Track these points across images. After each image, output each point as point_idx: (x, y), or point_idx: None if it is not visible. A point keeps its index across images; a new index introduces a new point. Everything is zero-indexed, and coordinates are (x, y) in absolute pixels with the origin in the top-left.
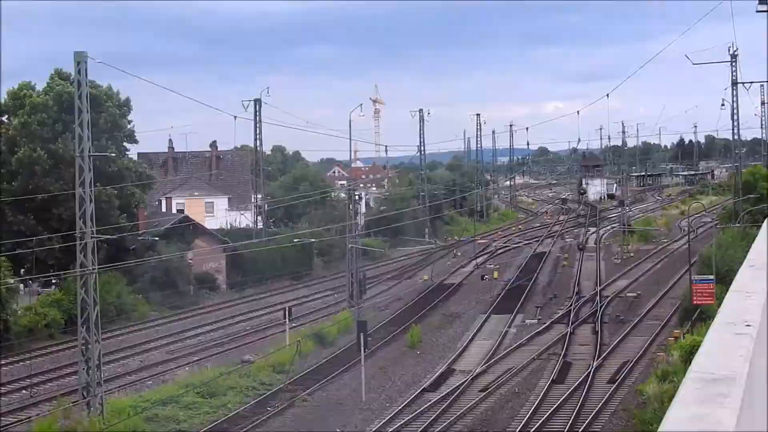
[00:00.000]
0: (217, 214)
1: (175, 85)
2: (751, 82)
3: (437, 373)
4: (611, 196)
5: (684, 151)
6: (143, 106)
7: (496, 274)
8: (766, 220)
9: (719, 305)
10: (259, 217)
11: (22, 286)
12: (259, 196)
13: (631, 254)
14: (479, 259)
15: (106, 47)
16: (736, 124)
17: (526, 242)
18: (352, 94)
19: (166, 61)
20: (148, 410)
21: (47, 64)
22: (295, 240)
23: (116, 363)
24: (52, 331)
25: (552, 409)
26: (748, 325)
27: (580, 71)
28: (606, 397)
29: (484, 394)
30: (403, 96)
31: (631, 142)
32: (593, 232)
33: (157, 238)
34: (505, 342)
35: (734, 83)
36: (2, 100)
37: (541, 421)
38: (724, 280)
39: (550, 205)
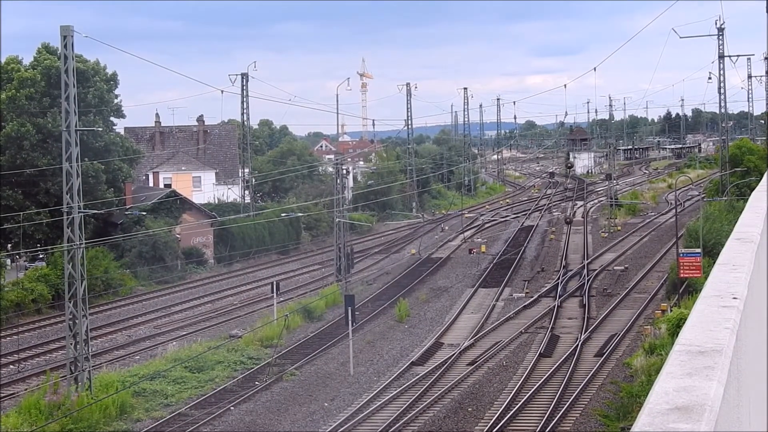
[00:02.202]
0: (205, 188)
1: (157, 60)
2: (738, 56)
3: (425, 347)
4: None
5: (671, 125)
6: (129, 80)
7: (483, 248)
8: (752, 193)
9: (706, 278)
10: (247, 192)
11: (9, 260)
12: (247, 170)
13: (619, 228)
14: (467, 233)
15: (86, 24)
16: (723, 97)
17: (514, 216)
18: (337, 69)
19: (146, 37)
20: (136, 385)
21: (25, 40)
22: (283, 214)
23: (104, 338)
24: (39, 306)
25: (540, 382)
26: (735, 298)
27: (559, 46)
28: (593, 370)
29: (472, 367)
30: (387, 72)
31: (618, 116)
32: (580, 206)
33: (144, 213)
34: (493, 316)
35: (721, 57)
36: None
37: (529, 394)
38: (711, 253)
39: (538, 179)
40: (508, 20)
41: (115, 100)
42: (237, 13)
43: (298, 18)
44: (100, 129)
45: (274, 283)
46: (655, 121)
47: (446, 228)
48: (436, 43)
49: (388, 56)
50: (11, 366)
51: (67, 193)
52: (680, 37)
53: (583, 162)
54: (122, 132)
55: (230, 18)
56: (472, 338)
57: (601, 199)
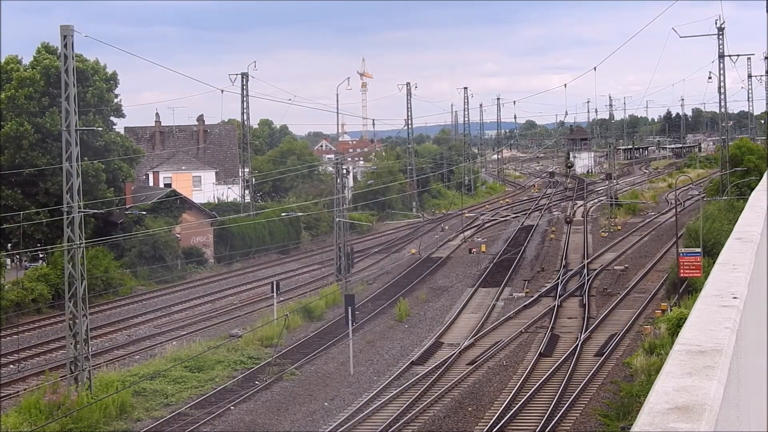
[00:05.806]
0: (205, 188)
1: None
2: (738, 55)
3: (425, 347)
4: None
5: (671, 124)
6: (128, 80)
7: (483, 248)
8: (752, 193)
9: (706, 278)
10: (247, 191)
11: (9, 260)
12: (247, 170)
13: (618, 227)
14: (467, 233)
15: (81, 28)
16: (722, 97)
17: (514, 215)
18: (329, 69)
19: (134, 40)
20: (136, 384)
21: (17, 42)
22: (283, 214)
23: (104, 337)
24: (39, 306)
25: (540, 381)
26: (735, 298)
27: (548, 45)
28: (593, 369)
29: (472, 367)
30: (384, 72)
31: (618, 116)
32: (580, 206)
33: (144, 212)
34: (493, 315)
35: (721, 56)
36: None
37: (529, 394)
38: (711, 252)
39: (538, 179)
40: (493, 25)
41: (115, 100)
42: (228, 16)
43: (286, 21)
44: (100, 128)
45: (274, 282)
46: (655, 120)
47: (446, 228)
48: (422, 45)
49: (385, 57)
50: (11, 366)
51: (67, 193)
52: (680, 37)
53: (583, 162)
54: (122, 132)
55: (222, 22)
56: (472, 338)
57: (601, 198)
